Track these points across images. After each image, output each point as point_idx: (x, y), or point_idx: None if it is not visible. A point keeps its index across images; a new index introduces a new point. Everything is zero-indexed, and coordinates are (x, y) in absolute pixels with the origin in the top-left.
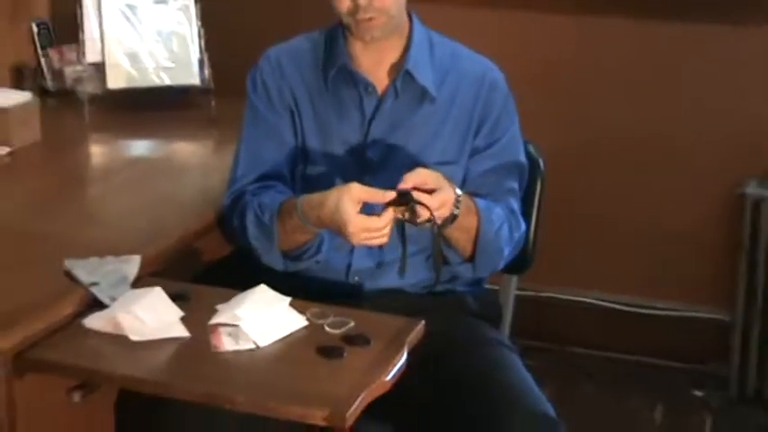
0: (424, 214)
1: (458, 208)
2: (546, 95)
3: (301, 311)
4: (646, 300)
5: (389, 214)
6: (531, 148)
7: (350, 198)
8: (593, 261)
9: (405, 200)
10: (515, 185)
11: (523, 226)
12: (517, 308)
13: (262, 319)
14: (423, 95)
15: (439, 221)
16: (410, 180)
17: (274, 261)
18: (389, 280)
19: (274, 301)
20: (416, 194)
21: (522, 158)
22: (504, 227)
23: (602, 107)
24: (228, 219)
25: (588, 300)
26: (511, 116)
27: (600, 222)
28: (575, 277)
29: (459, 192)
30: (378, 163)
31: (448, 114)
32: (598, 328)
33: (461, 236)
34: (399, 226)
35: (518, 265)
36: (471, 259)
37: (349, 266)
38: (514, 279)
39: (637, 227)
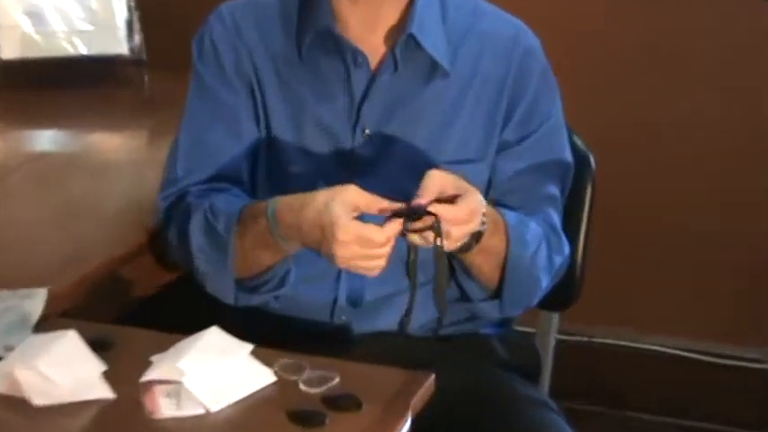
0: (425, 222)
1: (483, 223)
2: (583, 73)
3: (268, 363)
4: (732, 347)
5: (394, 227)
6: (578, 141)
7: (344, 200)
8: (661, 295)
9: (413, 211)
10: (557, 192)
11: (567, 247)
12: (560, 356)
13: (213, 374)
14: (432, 69)
15: (463, 240)
16: (430, 190)
17: (224, 289)
18: (388, 320)
19: (231, 350)
20: (435, 208)
21: (567, 155)
22: (542, 249)
23: (661, 90)
24: (164, 230)
25: (655, 347)
26: (552, 96)
27: (669, 242)
28: (637, 316)
29: (483, 202)
30: (370, 161)
31: (467, 94)
32: (668, 385)
33: (486, 262)
34: (402, 248)
35: (560, 299)
36: (498, 293)
37: (335, 301)
38: (555, 318)
39: (719, 248)
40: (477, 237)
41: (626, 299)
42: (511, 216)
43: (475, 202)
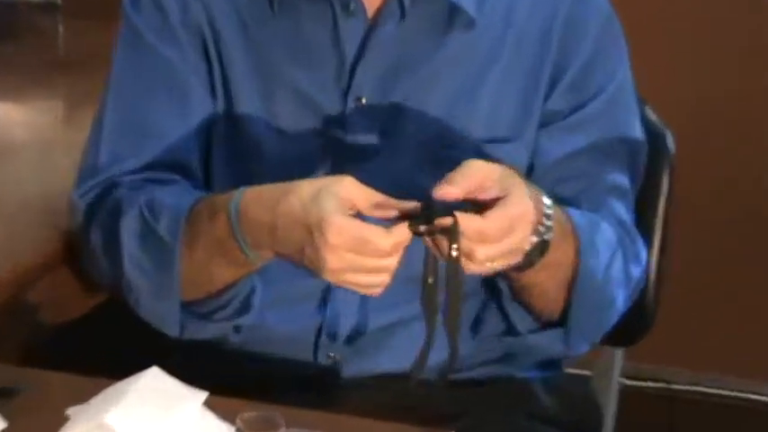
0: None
1: (549, 230)
2: (657, 30)
3: (228, 417)
4: None
5: (404, 232)
6: (652, 114)
7: (337, 193)
8: (763, 324)
9: (429, 211)
10: (625, 180)
11: (644, 252)
12: (626, 407)
13: (153, 431)
14: (451, 16)
15: (493, 266)
16: (459, 183)
17: (165, 315)
18: (390, 359)
19: (177, 399)
20: (457, 216)
21: (638, 132)
22: (618, 257)
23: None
24: (83, 235)
25: (752, 395)
26: (618, 52)
27: None
28: (728, 354)
29: (547, 200)
30: (366, 140)
31: (499, 50)
32: None
33: (550, 279)
34: (412, 261)
35: (626, 329)
36: (562, 320)
37: (319, 332)
38: (619, 356)
39: None
40: (541, 248)
41: (715, 330)
42: (576, 215)
43: (518, 211)
